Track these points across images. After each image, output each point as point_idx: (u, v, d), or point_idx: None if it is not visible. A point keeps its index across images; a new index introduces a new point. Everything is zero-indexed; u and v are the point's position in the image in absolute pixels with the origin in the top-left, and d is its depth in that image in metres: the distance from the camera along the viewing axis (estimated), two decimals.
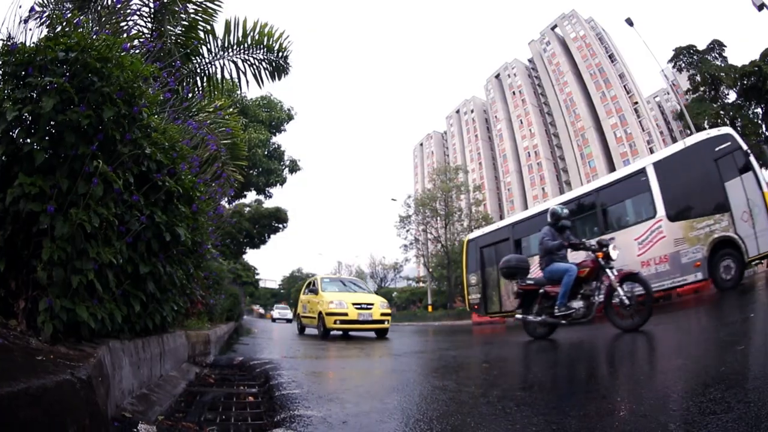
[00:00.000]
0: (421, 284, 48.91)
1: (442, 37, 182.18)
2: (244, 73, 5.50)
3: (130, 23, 4.91)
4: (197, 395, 2.76)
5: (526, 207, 68.58)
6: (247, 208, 22.23)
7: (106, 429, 1.35)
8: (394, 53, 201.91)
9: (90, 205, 1.61)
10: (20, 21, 1.73)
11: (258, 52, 5.59)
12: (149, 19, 5.10)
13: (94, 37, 1.68)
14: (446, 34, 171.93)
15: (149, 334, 2.62)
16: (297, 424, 1.80)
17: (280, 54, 5.40)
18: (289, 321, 30.96)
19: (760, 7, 19.46)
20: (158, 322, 2.38)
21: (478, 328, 15.07)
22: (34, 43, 1.71)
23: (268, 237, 23.46)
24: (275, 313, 35.98)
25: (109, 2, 3.78)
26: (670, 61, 29.45)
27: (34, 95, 1.59)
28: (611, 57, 64.31)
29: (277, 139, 17.91)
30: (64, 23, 1.70)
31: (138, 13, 4.82)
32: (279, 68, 5.43)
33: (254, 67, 5.47)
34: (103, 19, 4.24)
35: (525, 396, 2.34)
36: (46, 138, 1.60)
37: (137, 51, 4.89)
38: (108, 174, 1.58)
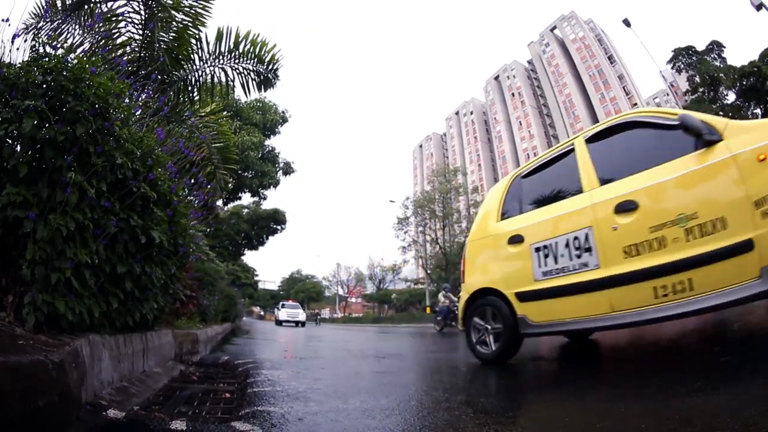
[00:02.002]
0: (419, 286, 49.01)
1: (442, 39, 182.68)
2: (233, 81, 5.68)
3: (122, 30, 5.10)
4: (177, 390, 2.92)
5: None
6: (245, 210, 22.42)
7: (77, 409, 1.52)
8: (394, 54, 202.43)
9: (67, 211, 1.79)
10: (6, 42, 1.92)
11: (248, 62, 5.78)
12: (140, 26, 5.27)
13: (72, 56, 1.86)
14: (446, 36, 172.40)
15: (132, 331, 2.79)
16: (256, 419, 1.95)
17: (270, 66, 5.58)
18: (300, 324, 24.21)
19: (759, 7, 19.50)
20: (138, 319, 2.54)
21: None
22: (19, 63, 1.90)
23: (267, 238, 23.62)
24: (282, 313, 26.33)
25: (99, 11, 3.95)
26: (669, 62, 29.43)
27: (19, 113, 1.77)
28: (610, 58, 64.51)
29: (272, 141, 18.13)
30: (45, 45, 1.90)
31: (128, 20, 4.99)
32: (267, 80, 5.62)
33: (242, 76, 5.65)
34: (94, 30, 4.43)
35: None
36: (29, 153, 1.79)
37: (127, 57, 5.07)
38: (81, 183, 1.77)
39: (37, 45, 1.93)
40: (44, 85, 1.79)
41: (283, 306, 28.52)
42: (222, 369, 4.06)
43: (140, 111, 4.68)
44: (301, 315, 25.97)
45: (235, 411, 2.28)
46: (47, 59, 1.84)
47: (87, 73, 1.79)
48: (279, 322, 25.45)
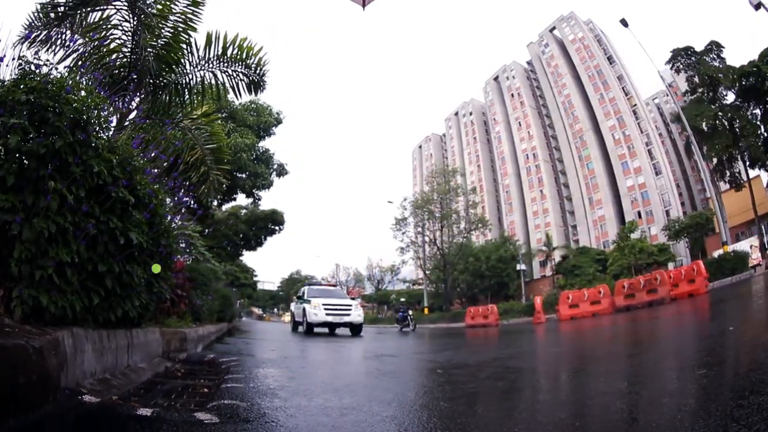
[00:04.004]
0: (418, 286, 49.16)
1: (442, 40, 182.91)
2: (223, 84, 5.83)
3: (113, 36, 5.26)
4: (159, 384, 3.07)
5: (524, 209, 68.85)
6: (243, 211, 22.56)
7: (55, 392, 1.69)
8: (394, 55, 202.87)
9: (49, 216, 1.97)
10: None
11: (236, 65, 5.93)
12: (130, 32, 5.41)
13: (55, 71, 2.05)
14: (446, 37, 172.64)
15: (116, 327, 2.95)
16: (220, 411, 2.11)
17: (257, 70, 5.73)
18: (353, 330, 12.48)
19: (758, 7, 19.50)
20: (120, 315, 2.71)
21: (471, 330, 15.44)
22: (7, 80, 2.09)
23: (265, 239, 23.73)
24: (313, 308, 12.10)
25: (77, 26, 4.13)
26: (668, 62, 29.47)
27: (6, 129, 1.96)
28: (610, 59, 64.51)
29: (266, 143, 18.33)
30: (29, 64, 2.08)
31: (119, 27, 5.14)
32: (255, 84, 5.77)
33: (232, 79, 5.80)
34: (87, 37, 4.60)
35: None
36: (15, 164, 1.99)
37: (119, 61, 5.21)
38: (61, 190, 1.96)
39: (22, 64, 2.11)
40: (28, 103, 1.98)
41: (308, 291, 13.81)
42: (207, 366, 4.22)
43: (133, 114, 4.84)
44: (354, 312, 12.65)
45: (206, 404, 2.43)
46: (31, 77, 2.03)
47: (64, 91, 1.97)
48: (308, 326, 12.18)
